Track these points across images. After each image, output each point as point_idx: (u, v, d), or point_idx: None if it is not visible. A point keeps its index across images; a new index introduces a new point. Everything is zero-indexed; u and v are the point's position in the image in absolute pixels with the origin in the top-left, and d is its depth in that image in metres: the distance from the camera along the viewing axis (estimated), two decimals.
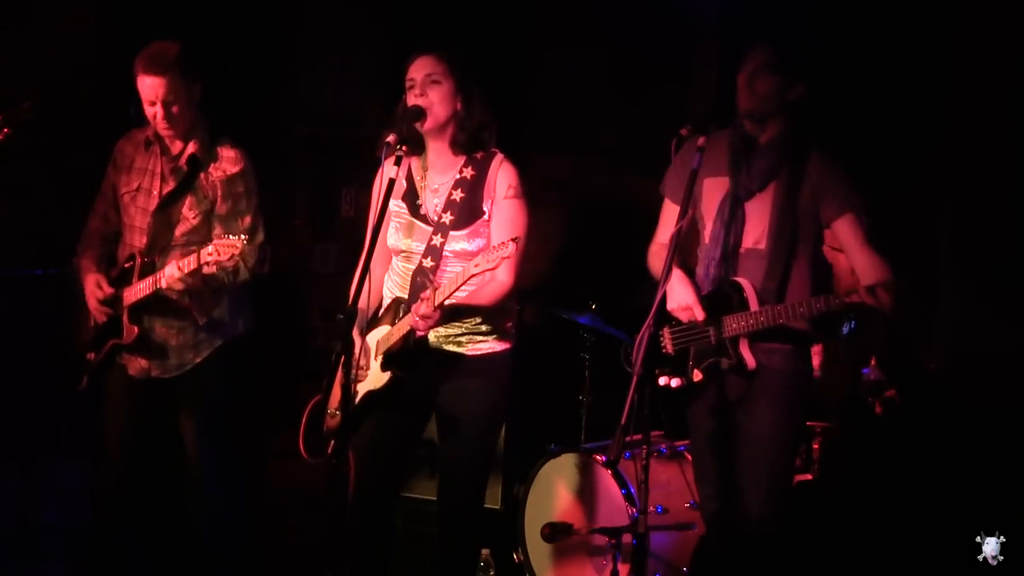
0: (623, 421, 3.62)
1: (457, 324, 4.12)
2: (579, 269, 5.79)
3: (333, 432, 4.05)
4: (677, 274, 4.12)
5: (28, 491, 5.14)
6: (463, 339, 4.16)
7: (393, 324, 4.11)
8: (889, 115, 5.23)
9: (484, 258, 3.78)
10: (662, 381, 4.10)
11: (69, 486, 5.16)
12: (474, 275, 3.81)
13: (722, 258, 4.09)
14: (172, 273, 4.28)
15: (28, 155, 4.57)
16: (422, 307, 3.91)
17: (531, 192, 4.20)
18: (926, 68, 5.14)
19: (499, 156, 4.17)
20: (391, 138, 3.95)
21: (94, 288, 4.51)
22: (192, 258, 4.20)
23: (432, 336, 4.11)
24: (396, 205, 4.22)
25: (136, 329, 4.47)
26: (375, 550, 4.25)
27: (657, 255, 4.23)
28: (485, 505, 4.37)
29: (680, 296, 4.09)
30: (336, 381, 3.97)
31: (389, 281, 4.27)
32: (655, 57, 5.86)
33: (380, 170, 4.11)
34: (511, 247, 3.73)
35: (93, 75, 5.24)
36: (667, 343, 4.17)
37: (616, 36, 5.91)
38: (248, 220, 4.49)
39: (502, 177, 4.13)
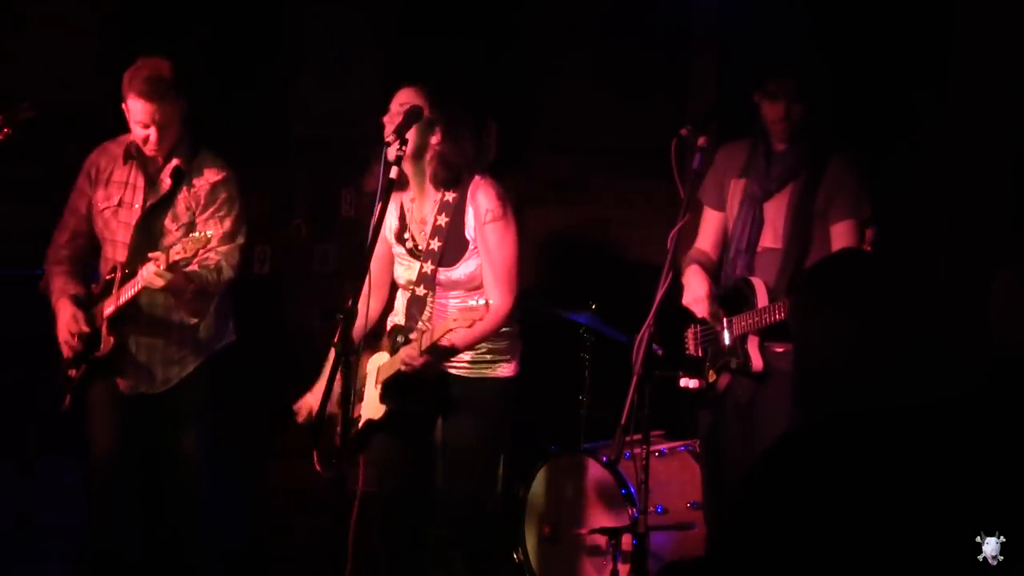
0: (623, 421, 3.63)
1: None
2: (579, 269, 5.79)
3: (338, 450, 4.08)
4: (694, 268, 4.19)
5: (28, 491, 5.13)
6: (467, 365, 4.14)
7: (392, 352, 4.12)
8: (888, 116, 5.22)
9: (461, 314, 3.81)
10: (683, 383, 4.14)
11: (69, 486, 5.14)
12: (452, 329, 3.83)
13: (739, 257, 4.13)
14: (144, 274, 4.14)
15: (28, 155, 4.56)
16: (408, 351, 3.94)
17: (530, 195, 4.19)
18: (925, 69, 5.13)
19: (476, 178, 4.11)
20: (391, 137, 3.93)
21: (70, 321, 4.42)
22: (160, 255, 4.09)
23: None
24: (396, 246, 4.24)
25: (112, 340, 4.37)
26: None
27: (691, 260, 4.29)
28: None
29: (695, 289, 4.15)
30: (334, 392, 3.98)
31: (397, 304, 4.28)
32: (655, 57, 5.86)
33: (379, 170, 4.09)
34: (481, 311, 3.79)
35: (94, 74, 5.23)
36: (691, 344, 4.21)
37: (616, 36, 5.91)
38: (228, 223, 4.42)
39: (480, 201, 4.08)
